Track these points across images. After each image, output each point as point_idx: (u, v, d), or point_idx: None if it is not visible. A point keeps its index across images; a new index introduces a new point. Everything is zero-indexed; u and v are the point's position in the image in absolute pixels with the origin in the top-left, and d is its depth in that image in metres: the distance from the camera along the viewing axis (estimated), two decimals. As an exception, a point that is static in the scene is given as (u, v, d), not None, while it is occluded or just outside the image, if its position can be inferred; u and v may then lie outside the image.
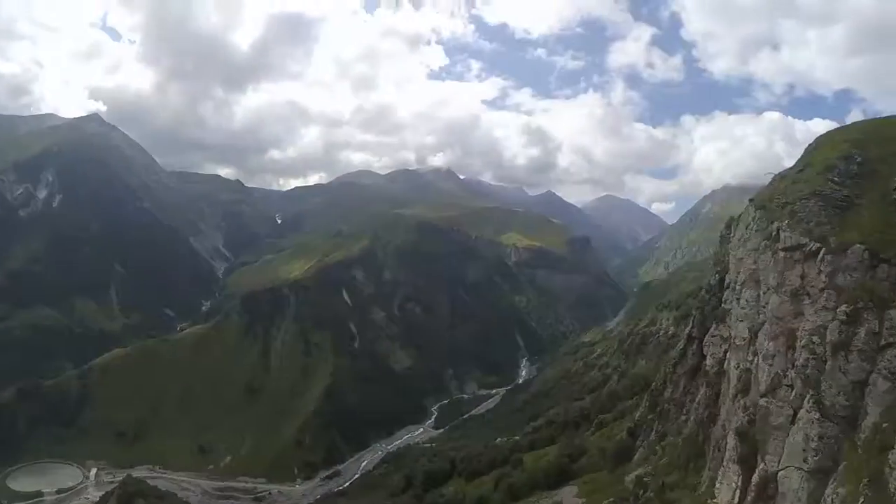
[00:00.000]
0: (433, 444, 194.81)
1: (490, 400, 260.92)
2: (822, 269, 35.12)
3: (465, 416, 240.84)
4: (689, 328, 62.44)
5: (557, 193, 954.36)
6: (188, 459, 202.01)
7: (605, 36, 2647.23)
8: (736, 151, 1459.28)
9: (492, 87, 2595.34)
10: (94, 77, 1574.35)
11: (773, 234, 40.95)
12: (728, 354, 47.66)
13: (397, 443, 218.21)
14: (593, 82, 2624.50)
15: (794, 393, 33.96)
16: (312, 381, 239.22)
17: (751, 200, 52.01)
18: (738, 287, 47.81)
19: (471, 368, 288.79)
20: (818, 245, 36.05)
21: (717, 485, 40.90)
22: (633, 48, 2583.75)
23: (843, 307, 32.15)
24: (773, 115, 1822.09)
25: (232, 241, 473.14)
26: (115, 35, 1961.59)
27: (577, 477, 69.23)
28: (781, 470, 32.85)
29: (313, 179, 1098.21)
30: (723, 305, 53.01)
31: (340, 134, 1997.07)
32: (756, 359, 39.93)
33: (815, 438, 30.87)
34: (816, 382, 32.31)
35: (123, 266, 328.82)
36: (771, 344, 37.55)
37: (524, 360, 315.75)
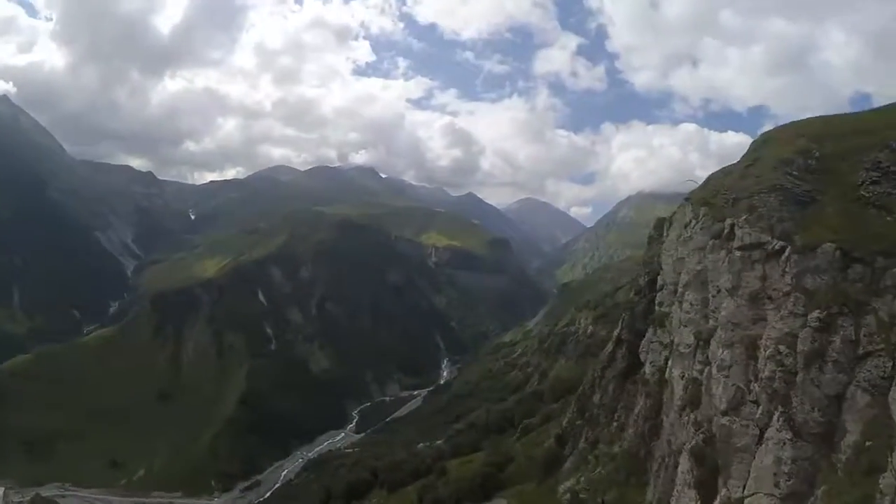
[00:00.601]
0: (355, 450, 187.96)
1: (412, 401, 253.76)
2: (786, 269, 31.68)
3: (388, 420, 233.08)
4: (618, 330, 59.01)
5: (479, 195, 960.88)
6: (99, 474, 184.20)
7: (532, 43, 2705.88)
8: (652, 160, 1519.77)
9: (418, 86, 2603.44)
10: (5, 55, 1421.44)
11: (725, 231, 37.47)
12: (670, 362, 43.99)
13: (318, 449, 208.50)
14: (518, 87, 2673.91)
15: (759, 410, 30.17)
16: (227, 385, 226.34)
17: (686, 199, 48.96)
18: (679, 289, 44.44)
19: (392, 370, 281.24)
20: (782, 244, 32.56)
21: (671, 510, 36.93)
22: (558, 56, 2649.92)
23: (816, 313, 28.66)
24: (690, 127, 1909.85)
25: (143, 237, 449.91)
26: (31, 10, 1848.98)
27: (505, 488, 64.98)
28: (749, 497, 28.93)
29: (230, 174, 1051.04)
30: (659, 308, 49.71)
31: (260, 127, 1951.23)
32: (707, 369, 36.16)
33: (788, 461, 27.26)
34: (786, 397, 28.70)
35: (26, 263, 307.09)
36: (726, 353, 33.77)
37: (445, 361, 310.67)
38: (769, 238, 33.34)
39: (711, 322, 37.22)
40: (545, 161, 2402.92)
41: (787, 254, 31.95)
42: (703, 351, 37.44)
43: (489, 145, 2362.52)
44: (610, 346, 58.78)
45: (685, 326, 40.85)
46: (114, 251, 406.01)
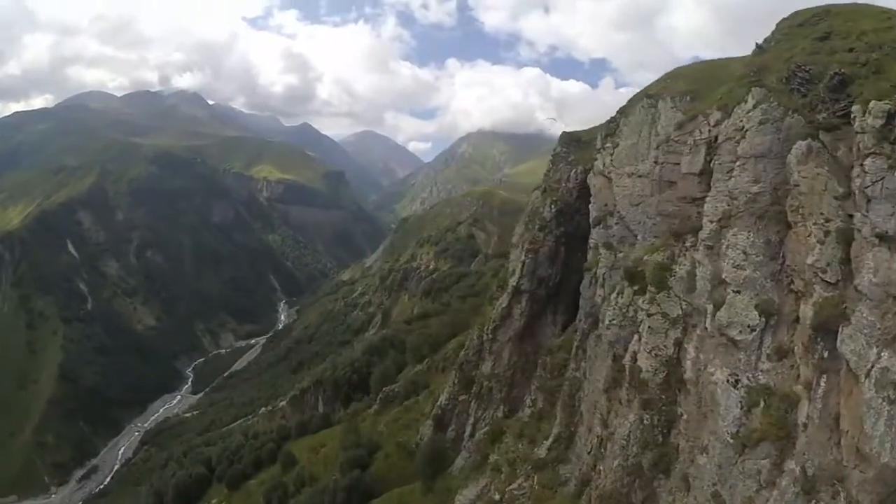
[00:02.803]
0: (193, 414, 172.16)
1: (250, 352, 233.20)
2: None
3: (226, 375, 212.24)
4: (516, 278, 43.50)
5: (314, 126, 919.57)
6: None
7: None
8: (494, 99, 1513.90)
9: (256, 3, 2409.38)
10: None
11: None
12: (649, 339, 28.58)
13: (154, 418, 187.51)
14: (365, 13, 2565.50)
15: None
16: (42, 360, 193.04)
17: (648, 96, 33.93)
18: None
19: (224, 319, 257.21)
20: None
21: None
22: None
23: None
24: (533, 71, 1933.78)
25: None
26: None
27: (376, 493, 48.85)
28: None
29: (37, 103, 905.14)
30: (598, 250, 34.83)
31: (73, 46, 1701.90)
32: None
33: None
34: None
35: None
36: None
37: (282, 304, 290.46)
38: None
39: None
40: (386, 93, 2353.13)
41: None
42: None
43: (328, 73, 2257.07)
44: (504, 300, 43.37)
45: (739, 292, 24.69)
46: None
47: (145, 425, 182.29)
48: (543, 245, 41.61)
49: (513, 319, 42.69)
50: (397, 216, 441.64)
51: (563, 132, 47.75)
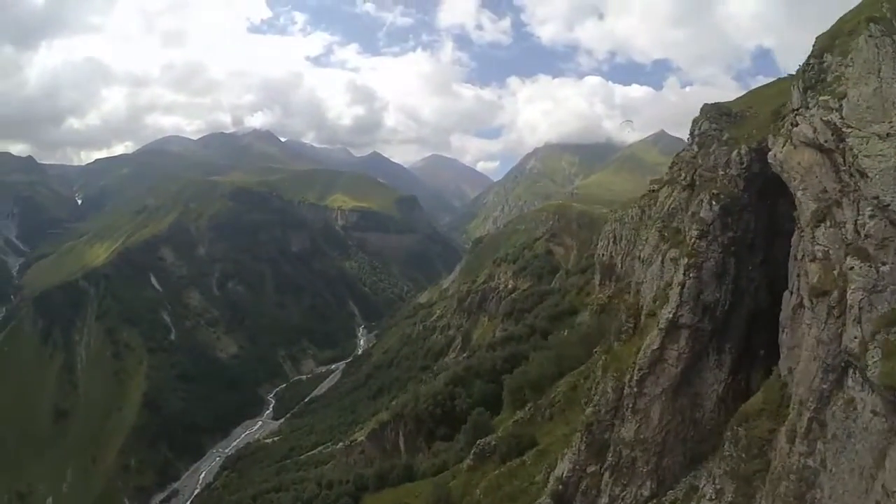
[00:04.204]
0: (275, 440, 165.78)
1: (331, 376, 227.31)
2: None
3: (307, 400, 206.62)
4: (672, 308, 29.42)
5: (383, 154, 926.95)
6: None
7: None
8: (558, 112, 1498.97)
9: (317, 42, 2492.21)
10: None
11: None
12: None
13: (235, 443, 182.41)
14: (422, 41, 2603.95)
15: None
16: (128, 389, 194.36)
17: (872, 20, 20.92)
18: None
19: (305, 346, 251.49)
20: None
21: None
22: (463, 8, 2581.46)
23: None
24: (594, 80, 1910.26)
25: (27, 230, 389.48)
26: None
27: None
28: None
29: (118, 150, 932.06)
30: (831, 262, 21.61)
31: (147, 95, 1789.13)
32: None
33: None
34: None
35: None
36: None
37: (361, 329, 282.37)
38: None
39: None
40: (451, 116, 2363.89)
41: None
42: None
43: (393, 101, 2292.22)
44: (654, 339, 29.80)
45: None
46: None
47: (227, 450, 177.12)
48: (708, 258, 28.21)
49: (666, 365, 29.08)
50: (470, 236, 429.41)
51: (706, 104, 34.44)
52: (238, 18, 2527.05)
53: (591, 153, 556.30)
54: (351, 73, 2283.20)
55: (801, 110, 23.46)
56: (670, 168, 40.37)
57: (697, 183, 31.31)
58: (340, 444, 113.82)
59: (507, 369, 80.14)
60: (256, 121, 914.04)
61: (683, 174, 33.49)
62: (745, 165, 29.07)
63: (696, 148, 32.90)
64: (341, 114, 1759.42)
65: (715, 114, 32.84)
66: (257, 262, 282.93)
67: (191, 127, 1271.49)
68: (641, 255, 37.38)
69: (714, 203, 28.80)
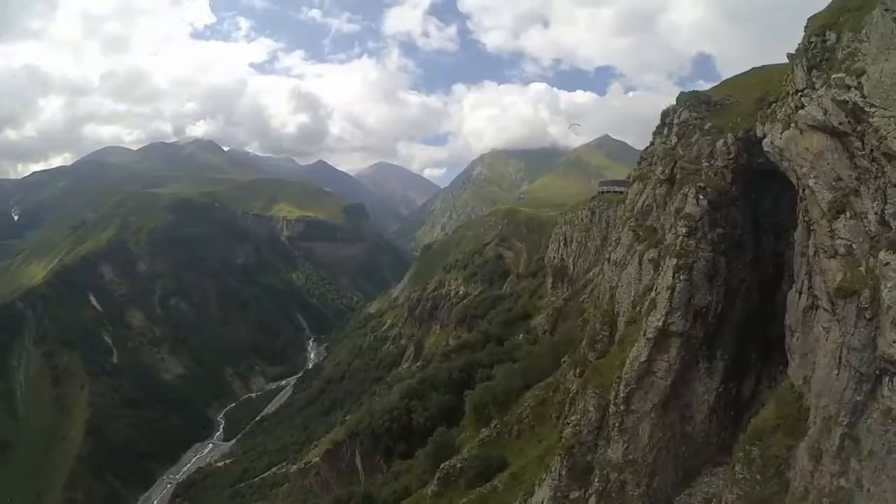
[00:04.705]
0: (226, 463, 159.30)
1: (281, 393, 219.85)
2: None
3: (258, 419, 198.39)
4: (661, 315, 26.36)
5: (329, 162, 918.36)
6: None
7: (382, 1, 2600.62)
8: (504, 118, 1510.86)
9: (261, 48, 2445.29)
10: None
11: None
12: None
13: (186, 468, 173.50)
14: (368, 47, 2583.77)
15: None
16: (71, 416, 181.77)
17: None
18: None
19: (253, 362, 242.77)
20: None
21: None
22: (409, 15, 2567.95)
23: None
24: (540, 86, 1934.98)
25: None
26: None
27: None
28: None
29: (56, 161, 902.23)
30: (853, 258, 18.98)
31: (86, 104, 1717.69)
32: None
33: None
34: None
35: None
36: None
37: (311, 342, 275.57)
38: None
39: None
40: (397, 123, 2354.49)
41: None
42: None
43: (338, 109, 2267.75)
44: (641, 350, 26.74)
45: None
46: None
47: (178, 477, 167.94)
48: (698, 258, 25.37)
49: (655, 378, 26.09)
50: (419, 244, 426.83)
51: (682, 92, 31.99)
52: (182, 23, 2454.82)
53: (537, 158, 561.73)
54: (296, 80, 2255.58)
55: (806, 91, 20.84)
56: (639, 164, 37.99)
57: (679, 176, 28.69)
58: (294, 466, 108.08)
59: (464, 379, 77.76)
60: (199, 130, 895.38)
61: (660, 167, 30.81)
62: (732, 156, 26.58)
63: (674, 139, 30.36)
64: (286, 122, 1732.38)
65: (694, 102, 30.40)
66: (200, 277, 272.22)
67: (131, 137, 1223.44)
68: (612, 257, 34.69)
69: (701, 197, 26.18)
